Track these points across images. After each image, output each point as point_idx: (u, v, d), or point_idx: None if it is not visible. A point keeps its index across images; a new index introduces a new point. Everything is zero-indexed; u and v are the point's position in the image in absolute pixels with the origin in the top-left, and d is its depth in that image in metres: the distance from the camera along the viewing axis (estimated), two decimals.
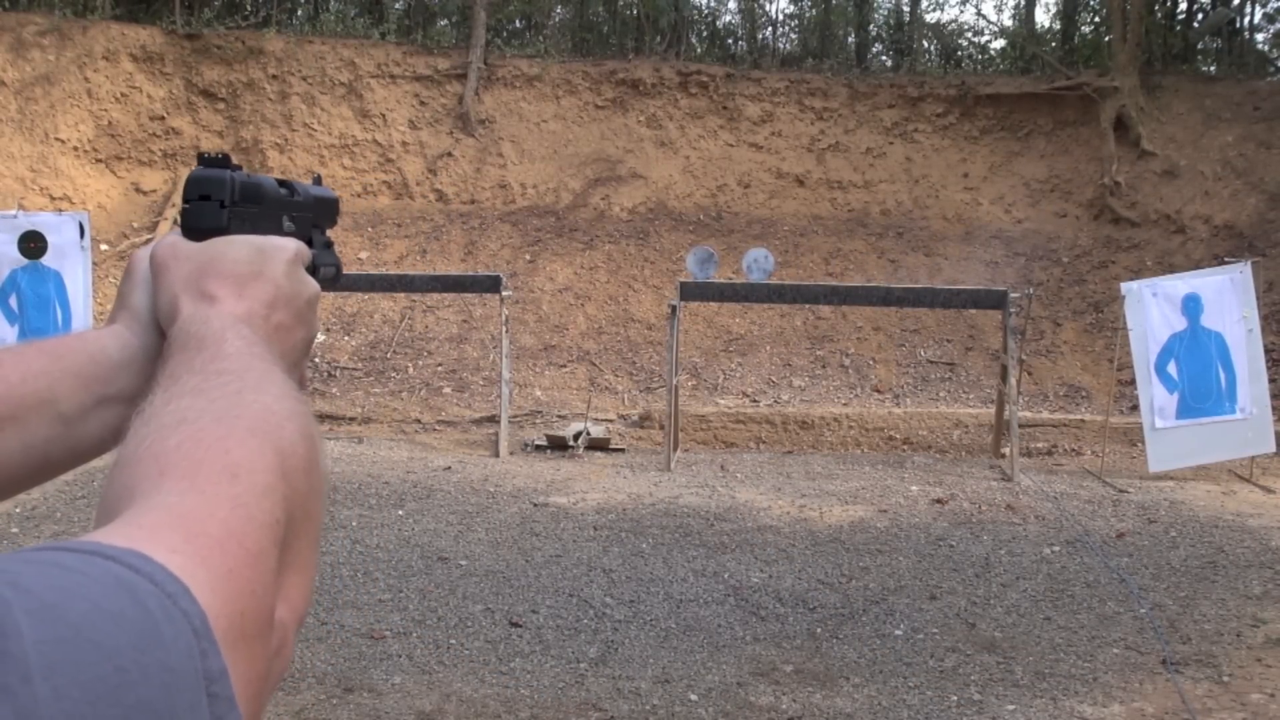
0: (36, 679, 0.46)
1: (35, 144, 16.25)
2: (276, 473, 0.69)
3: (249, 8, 19.46)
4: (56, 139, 16.47)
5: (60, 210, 12.54)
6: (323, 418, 12.90)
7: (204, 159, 0.97)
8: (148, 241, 11.50)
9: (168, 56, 17.35)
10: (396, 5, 20.85)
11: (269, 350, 0.85)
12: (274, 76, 17.46)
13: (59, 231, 10.40)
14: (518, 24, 20.89)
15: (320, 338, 14.73)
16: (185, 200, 0.95)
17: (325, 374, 14.13)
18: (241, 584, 0.60)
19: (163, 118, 17.23)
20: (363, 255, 16.12)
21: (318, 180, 1.11)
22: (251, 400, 0.74)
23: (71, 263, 10.23)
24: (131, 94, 17.14)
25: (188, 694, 0.52)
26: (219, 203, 0.94)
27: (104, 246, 15.49)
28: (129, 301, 0.95)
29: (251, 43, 17.48)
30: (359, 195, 17.31)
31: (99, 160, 16.86)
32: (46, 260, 10.35)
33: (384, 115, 17.62)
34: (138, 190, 16.93)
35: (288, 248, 0.96)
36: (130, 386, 0.89)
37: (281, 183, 1.02)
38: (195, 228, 0.94)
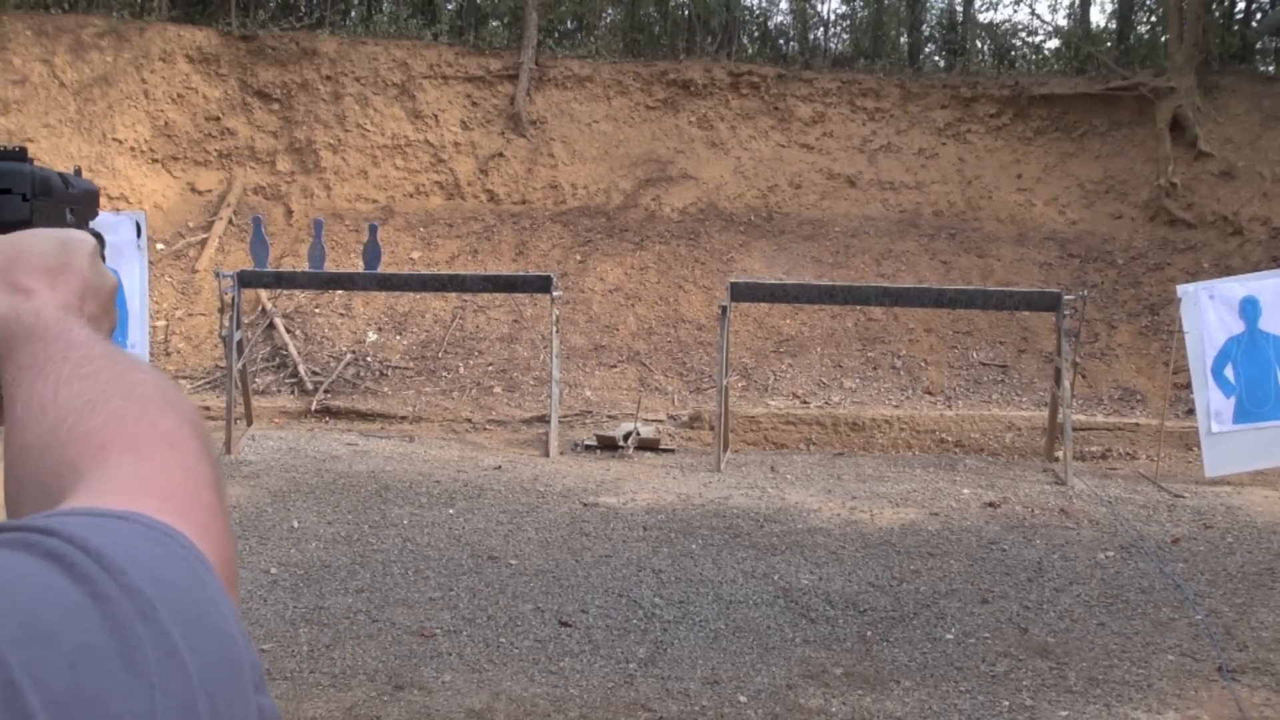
0: (160, 609, 0.52)
1: (93, 144, 16.45)
2: (197, 438, 0.74)
3: (303, 9, 19.60)
4: (114, 139, 16.66)
5: (118, 210, 12.69)
6: (374, 416, 12.99)
7: (1, 152, 0.97)
8: (203, 241, 11.57)
9: (223, 58, 17.50)
10: (449, 6, 20.92)
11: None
12: (327, 77, 17.58)
13: (116, 231, 10.49)
14: (569, 25, 20.92)
15: (372, 337, 14.82)
16: None
17: (377, 373, 14.22)
18: (214, 537, 0.65)
19: (218, 118, 17.39)
20: (415, 255, 16.21)
21: (78, 172, 1.11)
22: (140, 378, 0.78)
23: (128, 261, 10.33)
24: (187, 95, 17.31)
25: (235, 625, 0.58)
26: (21, 196, 0.94)
27: (160, 246, 15.67)
28: None
29: (305, 44, 17.60)
30: (411, 195, 17.39)
31: (155, 160, 17.04)
32: (104, 259, 10.46)
33: (436, 116, 17.70)
34: (193, 190, 17.09)
35: (87, 240, 0.97)
36: None
37: (59, 175, 1.03)
38: None
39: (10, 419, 0.76)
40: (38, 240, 0.92)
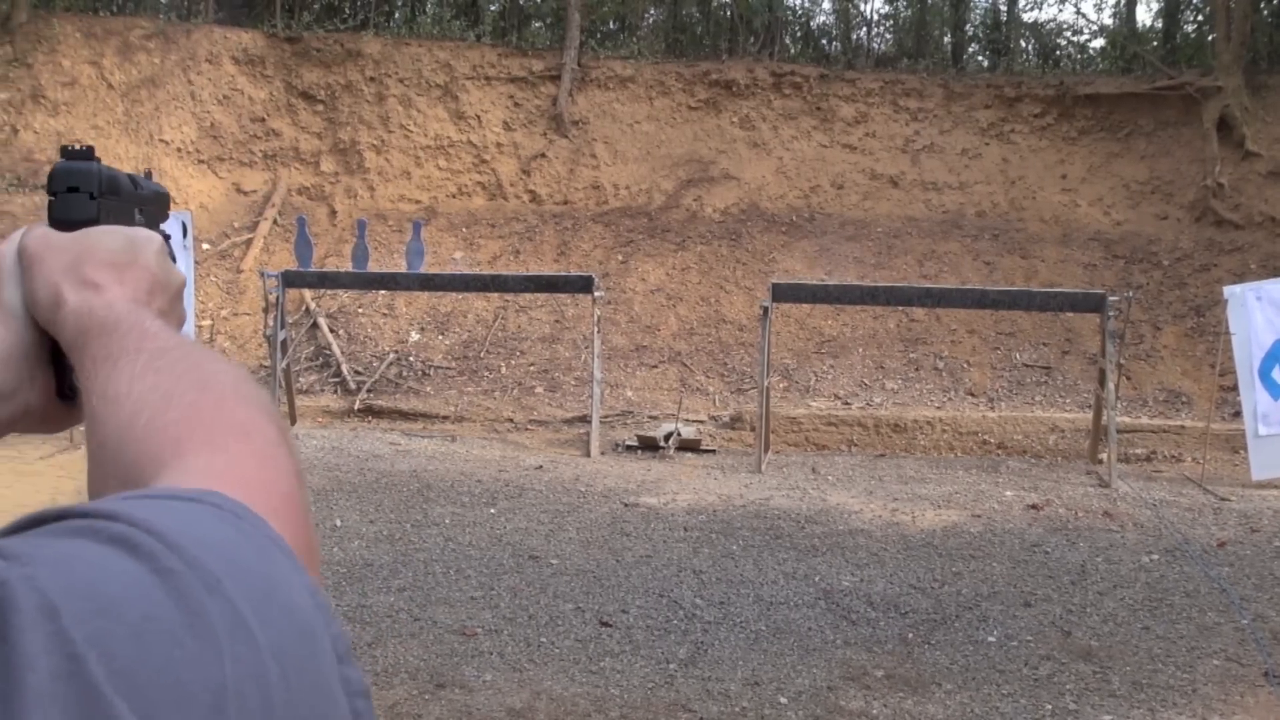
0: (225, 583, 0.52)
1: (141, 145, 16.62)
2: (274, 427, 0.75)
3: (348, 11, 19.72)
4: (161, 140, 16.82)
5: None
6: (417, 416, 13.05)
7: (67, 151, 0.98)
8: (248, 242, 11.67)
9: (268, 59, 17.64)
10: (492, 7, 21.00)
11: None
12: (371, 78, 17.68)
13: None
14: (612, 25, 20.94)
15: (414, 336, 14.90)
16: (52, 192, 0.96)
17: (420, 373, 14.29)
18: (290, 522, 0.65)
19: (263, 119, 17.52)
20: (457, 255, 16.27)
21: (149, 175, 1.12)
22: (216, 370, 0.79)
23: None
24: (233, 96, 17.46)
25: (310, 599, 0.58)
26: (88, 194, 0.95)
27: (206, 246, 15.80)
28: None
29: (350, 45, 17.72)
30: (454, 196, 17.47)
31: (201, 161, 17.19)
32: None
33: (479, 116, 17.77)
34: (239, 190, 17.24)
35: (155, 238, 0.98)
36: (8, 383, 0.89)
37: (128, 176, 1.04)
38: (66, 219, 0.94)
39: (88, 412, 0.77)
40: (106, 236, 0.93)
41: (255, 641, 0.51)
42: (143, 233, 0.97)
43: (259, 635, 0.52)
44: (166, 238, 1.04)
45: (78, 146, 0.98)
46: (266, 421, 0.74)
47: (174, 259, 1.04)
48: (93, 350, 0.81)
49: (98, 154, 1.00)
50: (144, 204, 1.05)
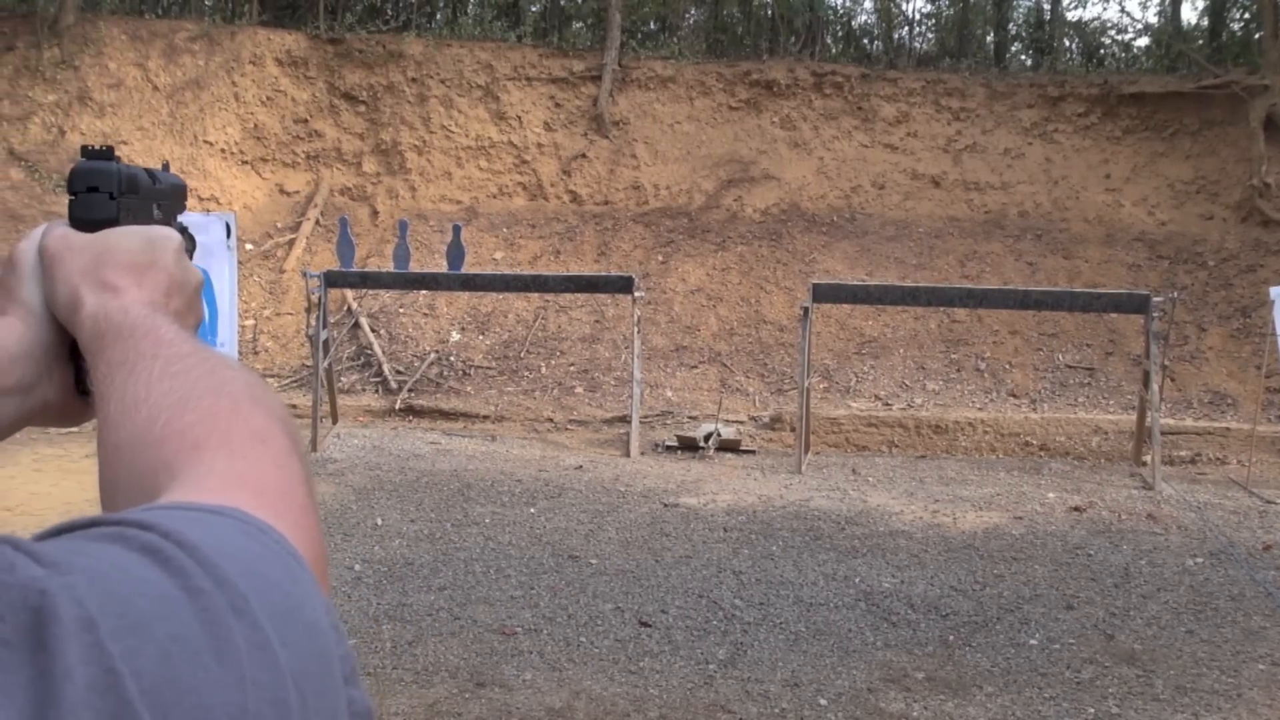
0: (252, 602, 0.53)
1: (185, 146, 16.76)
2: (287, 435, 0.75)
3: (390, 12, 19.82)
4: (205, 141, 16.95)
5: (208, 211, 12.91)
6: (457, 415, 13.10)
7: (87, 151, 0.98)
8: (290, 242, 11.71)
9: (311, 60, 17.75)
10: (533, 8, 21.05)
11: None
12: (413, 79, 17.76)
13: (206, 231, 10.64)
14: (652, 26, 20.95)
15: (455, 336, 14.95)
16: (72, 192, 0.96)
17: (460, 372, 14.34)
18: (306, 533, 0.66)
19: (306, 120, 17.63)
20: (498, 255, 16.32)
21: (165, 167, 1.12)
22: (230, 376, 0.79)
23: (218, 261, 10.49)
24: (277, 97, 17.58)
25: (326, 618, 0.58)
26: (108, 194, 0.96)
27: (249, 246, 15.92)
28: (18, 295, 0.92)
29: (392, 46, 17.81)
30: (494, 196, 17.52)
31: (245, 162, 17.32)
32: (194, 259, 10.60)
33: (520, 117, 17.81)
34: (282, 191, 17.35)
35: (173, 236, 0.99)
36: (26, 378, 0.89)
37: (146, 171, 1.04)
38: (87, 219, 0.95)
39: (103, 416, 0.78)
40: (124, 238, 0.94)
41: (277, 665, 0.52)
42: (161, 232, 0.98)
43: (281, 658, 0.52)
44: (183, 230, 1.04)
45: (98, 146, 0.99)
46: (281, 429, 0.75)
47: (191, 253, 1.05)
48: (109, 355, 0.82)
49: (129, 154, 1.01)
50: (161, 198, 1.05)
